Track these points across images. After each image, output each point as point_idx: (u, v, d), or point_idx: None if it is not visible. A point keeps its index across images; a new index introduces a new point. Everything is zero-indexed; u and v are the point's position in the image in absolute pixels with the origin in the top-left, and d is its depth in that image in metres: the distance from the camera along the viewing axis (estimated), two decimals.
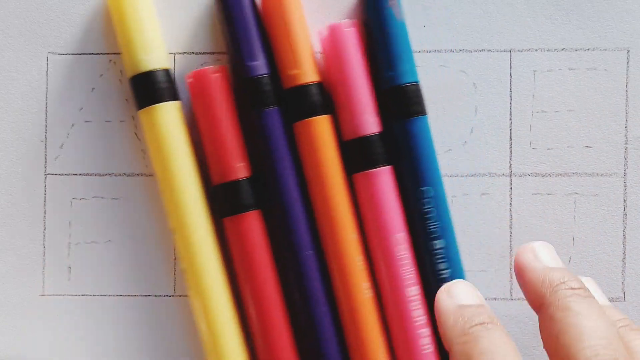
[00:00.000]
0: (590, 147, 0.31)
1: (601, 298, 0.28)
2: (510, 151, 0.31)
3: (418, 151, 0.29)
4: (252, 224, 0.29)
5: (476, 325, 0.25)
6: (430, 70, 0.31)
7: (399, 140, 0.29)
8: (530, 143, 0.31)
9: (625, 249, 0.30)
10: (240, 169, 0.29)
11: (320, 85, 0.29)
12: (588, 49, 0.31)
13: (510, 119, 0.31)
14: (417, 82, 0.29)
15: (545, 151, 0.31)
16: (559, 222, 0.30)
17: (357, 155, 0.29)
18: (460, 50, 0.31)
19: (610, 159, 0.31)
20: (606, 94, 0.31)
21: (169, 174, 0.29)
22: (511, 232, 0.30)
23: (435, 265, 0.29)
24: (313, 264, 0.29)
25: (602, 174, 0.31)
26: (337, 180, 0.29)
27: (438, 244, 0.29)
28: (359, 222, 0.29)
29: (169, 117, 0.29)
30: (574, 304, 0.24)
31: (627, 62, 0.31)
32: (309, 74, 0.29)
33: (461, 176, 0.31)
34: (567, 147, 0.31)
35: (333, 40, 0.29)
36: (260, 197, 0.29)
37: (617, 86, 0.31)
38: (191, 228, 0.29)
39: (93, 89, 0.31)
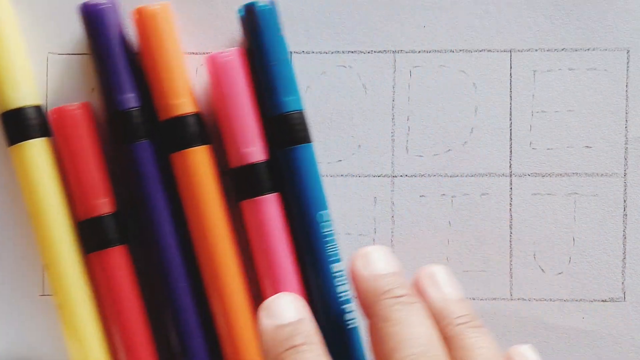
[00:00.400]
0: (590, 147, 0.31)
1: (448, 289, 0.26)
2: (510, 151, 0.31)
3: (303, 178, 0.29)
4: (116, 259, 0.29)
5: (288, 349, 0.24)
6: (430, 70, 0.31)
7: (283, 167, 0.29)
8: (530, 143, 0.31)
9: (625, 249, 0.30)
10: (102, 205, 0.29)
11: (197, 115, 0.29)
12: (588, 49, 0.31)
13: (510, 119, 0.31)
14: (302, 110, 0.29)
15: (545, 151, 0.31)
16: (559, 222, 0.30)
17: (243, 183, 0.29)
18: (460, 50, 0.31)
19: (610, 159, 0.30)
20: (606, 94, 0.31)
21: (37, 210, 0.29)
22: (511, 232, 0.30)
23: (334, 288, 0.29)
24: (187, 297, 0.29)
25: (602, 174, 0.31)
26: (216, 211, 0.29)
27: (337, 266, 0.29)
28: (243, 250, 0.29)
29: (37, 154, 0.29)
30: (395, 313, 0.24)
31: (627, 62, 0.31)
32: (185, 105, 0.29)
33: (461, 176, 0.31)
34: (567, 147, 0.31)
35: (213, 70, 0.29)
36: (127, 231, 0.29)
37: (617, 86, 0.31)
38: (61, 264, 0.29)
39: (93, 89, 0.31)
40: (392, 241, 0.31)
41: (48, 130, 0.29)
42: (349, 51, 0.31)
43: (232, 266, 0.29)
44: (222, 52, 0.29)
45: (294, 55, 0.31)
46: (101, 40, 0.29)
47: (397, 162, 0.31)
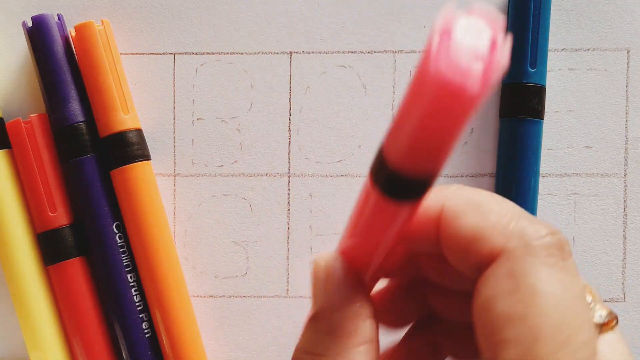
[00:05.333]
0: (591, 147, 0.31)
1: None
2: None
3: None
4: (74, 270, 0.29)
5: None
6: None
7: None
8: None
9: (625, 249, 0.30)
10: (57, 218, 0.29)
11: (137, 131, 0.29)
12: (588, 49, 0.31)
13: None
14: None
15: (546, 151, 0.30)
16: (559, 222, 0.30)
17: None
18: None
19: (610, 160, 0.30)
20: (606, 94, 0.31)
21: None
22: None
23: None
24: (133, 307, 0.29)
25: (602, 175, 0.31)
26: (155, 224, 0.29)
27: None
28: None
29: None
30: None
31: (627, 63, 0.30)
32: (124, 122, 0.29)
33: (462, 176, 0.31)
34: (567, 147, 0.31)
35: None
36: (85, 243, 0.29)
37: (617, 86, 0.31)
38: (21, 276, 0.29)
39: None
40: None
41: (8, 142, 0.29)
42: (349, 51, 0.31)
43: (175, 283, 0.29)
44: None
45: (293, 55, 0.31)
46: (46, 57, 0.28)
47: None
